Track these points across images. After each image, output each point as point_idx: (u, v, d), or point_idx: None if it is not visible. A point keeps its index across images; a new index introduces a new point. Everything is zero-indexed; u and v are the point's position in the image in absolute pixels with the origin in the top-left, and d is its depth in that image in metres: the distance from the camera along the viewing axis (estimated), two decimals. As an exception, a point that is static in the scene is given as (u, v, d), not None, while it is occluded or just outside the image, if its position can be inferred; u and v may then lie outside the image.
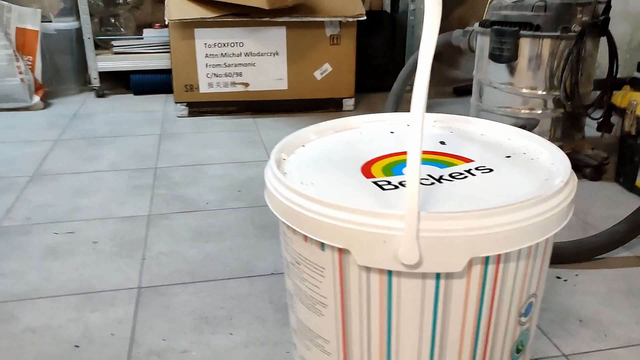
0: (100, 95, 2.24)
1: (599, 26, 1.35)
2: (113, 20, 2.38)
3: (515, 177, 0.55)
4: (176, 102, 1.97)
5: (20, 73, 2.02)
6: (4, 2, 2.04)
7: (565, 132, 1.44)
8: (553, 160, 0.59)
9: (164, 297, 0.96)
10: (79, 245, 1.12)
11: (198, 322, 0.90)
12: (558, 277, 1.02)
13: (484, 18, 1.48)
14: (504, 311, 0.50)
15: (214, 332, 0.88)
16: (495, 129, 0.69)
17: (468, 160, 0.59)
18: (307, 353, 0.57)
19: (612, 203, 1.32)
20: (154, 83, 2.28)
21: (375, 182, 0.54)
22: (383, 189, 0.52)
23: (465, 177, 0.55)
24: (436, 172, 0.57)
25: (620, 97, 1.39)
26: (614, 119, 1.45)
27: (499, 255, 0.47)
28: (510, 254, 0.47)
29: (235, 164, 1.55)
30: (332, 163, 0.59)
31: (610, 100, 1.42)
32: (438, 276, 0.47)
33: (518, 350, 0.54)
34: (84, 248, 1.11)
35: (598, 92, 1.42)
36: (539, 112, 1.41)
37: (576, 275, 1.03)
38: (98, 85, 2.21)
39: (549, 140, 0.64)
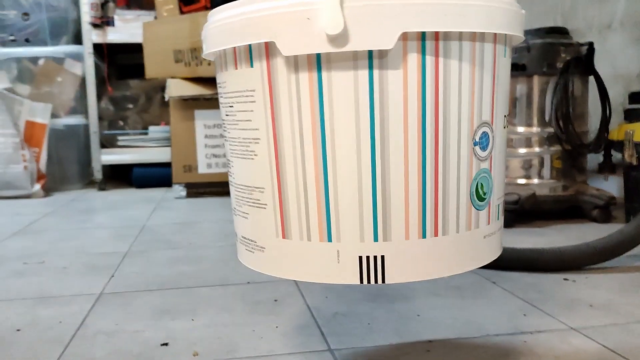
0: (101, 188, 2.25)
1: (584, 62, 1.36)
2: (122, 123, 2.47)
3: None
4: (174, 183, 1.96)
5: (25, 161, 2.05)
6: (16, 96, 2.14)
7: (566, 171, 1.39)
8: None
9: (126, 299, 0.88)
10: (47, 269, 1.05)
11: (158, 313, 0.80)
12: (565, 279, 0.92)
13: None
14: (452, 125, 0.43)
15: (173, 318, 0.78)
16: None
17: None
18: (245, 224, 0.49)
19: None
20: (156, 176, 2.29)
21: None
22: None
23: None
24: None
25: (617, 132, 1.36)
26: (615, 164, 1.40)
27: (436, 44, 0.42)
28: (451, 47, 0.42)
29: (229, 221, 1.50)
30: None
31: (607, 138, 1.38)
32: (371, 65, 0.42)
33: (479, 197, 0.46)
34: (52, 271, 1.04)
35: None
36: (537, 149, 1.38)
37: (586, 277, 0.93)
38: (100, 177, 2.23)
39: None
